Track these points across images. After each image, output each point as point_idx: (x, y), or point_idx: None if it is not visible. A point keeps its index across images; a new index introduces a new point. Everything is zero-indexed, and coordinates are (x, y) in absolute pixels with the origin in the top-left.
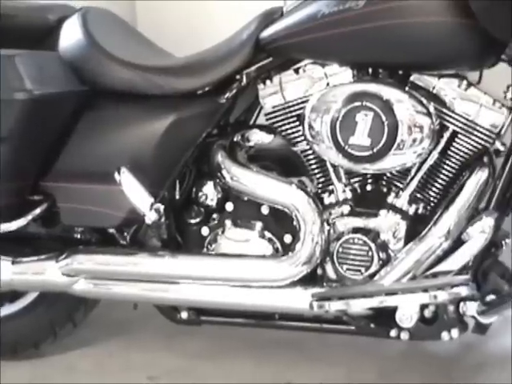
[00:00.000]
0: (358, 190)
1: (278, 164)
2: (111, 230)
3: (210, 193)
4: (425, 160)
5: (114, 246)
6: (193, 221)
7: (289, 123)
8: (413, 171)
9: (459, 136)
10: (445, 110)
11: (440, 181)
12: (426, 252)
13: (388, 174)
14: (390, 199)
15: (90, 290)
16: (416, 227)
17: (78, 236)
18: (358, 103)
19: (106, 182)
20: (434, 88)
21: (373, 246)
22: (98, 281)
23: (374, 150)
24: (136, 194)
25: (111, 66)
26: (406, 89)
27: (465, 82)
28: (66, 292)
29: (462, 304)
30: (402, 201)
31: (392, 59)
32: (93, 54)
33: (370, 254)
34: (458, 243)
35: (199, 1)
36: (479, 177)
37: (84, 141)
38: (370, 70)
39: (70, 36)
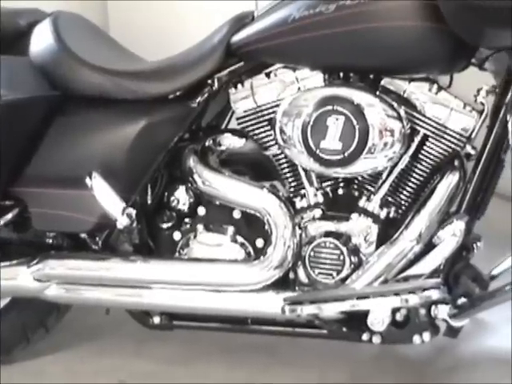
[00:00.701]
0: (330, 194)
1: (250, 168)
2: (83, 235)
3: (181, 197)
4: (396, 164)
5: (85, 251)
6: (165, 225)
7: (260, 127)
8: (384, 175)
9: (430, 140)
10: (415, 114)
11: (411, 184)
12: (398, 255)
13: (359, 178)
14: (362, 203)
15: (62, 295)
16: (387, 231)
17: (50, 241)
18: (329, 107)
19: (77, 187)
20: (404, 92)
21: (344, 249)
22: (70, 286)
23: (346, 154)
24: (107, 198)
25: (82, 70)
26: (377, 93)
27: (435, 86)
28: (38, 297)
29: (433, 307)
30: (373, 204)
31: (363, 63)
32: (64, 58)
33: (341, 257)
34: (429, 247)
35: (171, 6)
36: (450, 180)
37: (55, 146)
38: (341, 74)
39: (41, 41)
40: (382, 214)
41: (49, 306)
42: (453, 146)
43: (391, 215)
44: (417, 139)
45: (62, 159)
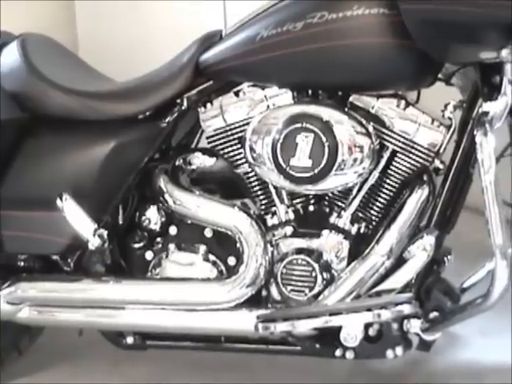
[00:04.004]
0: (301, 211)
1: (221, 187)
2: (55, 257)
3: (153, 217)
4: (366, 179)
5: (57, 272)
6: (137, 245)
7: (230, 146)
8: (354, 191)
9: (399, 155)
10: (384, 130)
11: (381, 200)
12: (369, 271)
13: (330, 195)
14: (333, 219)
15: (35, 317)
16: (359, 246)
17: (22, 263)
18: (298, 125)
19: (48, 209)
20: (373, 108)
21: (316, 266)
22: (43, 308)
23: (316, 171)
24: (79, 220)
25: (51, 92)
26: (346, 109)
27: (403, 102)
28: (11, 320)
29: (405, 322)
30: (344, 220)
31: (331, 81)
32: (32, 80)
33: (313, 274)
34: (400, 261)
35: (141, 26)
36: (419, 195)
37: (25, 168)
38: (310, 92)
39: (9, 63)
40: (353, 230)
41: (21, 329)
42: (421, 160)
43: (362, 231)
44: (386, 155)
45: (33, 181)
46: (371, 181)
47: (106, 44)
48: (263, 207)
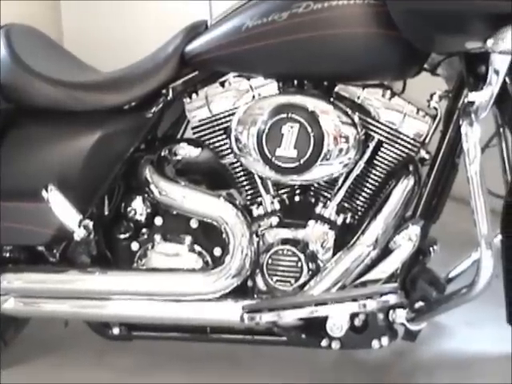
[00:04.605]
0: (287, 201)
1: (206, 177)
2: (40, 248)
3: (138, 208)
4: (351, 170)
5: (43, 263)
6: (122, 236)
7: (216, 136)
8: (340, 181)
9: (384, 145)
10: (370, 120)
11: (367, 190)
12: (355, 261)
13: (315, 185)
14: (318, 209)
15: (20, 308)
16: (344, 237)
17: (7, 254)
18: (283, 115)
19: (33, 200)
20: (358, 98)
21: (302, 256)
22: (28, 299)
23: (301, 162)
24: (64, 210)
25: (35, 82)
26: (331, 100)
27: (389, 92)
28: None
29: (391, 312)
30: (329, 211)
31: (316, 71)
32: (16, 71)
33: (299, 264)
34: (385, 252)
35: (126, 16)
36: (405, 185)
37: (10, 158)
38: (296, 82)
39: None
40: (339, 220)
41: (7, 320)
42: (407, 150)
43: (348, 221)
44: (371, 145)
45: (18, 172)
46: (357, 171)
47: (91, 35)
48: (249, 198)
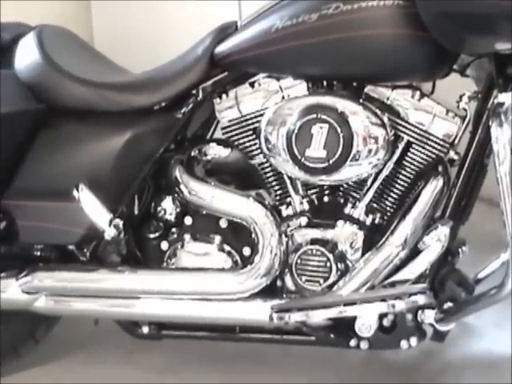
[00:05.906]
0: (316, 202)
1: (236, 177)
2: (71, 247)
3: (168, 207)
4: (380, 170)
5: (73, 262)
6: (152, 235)
7: (245, 137)
8: (369, 182)
9: (414, 146)
10: (399, 121)
11: (396, 191)
12: (384, 261)
13: (344, 185)
14: (347, 210)
15: (51, 307)
16: (373, 237)
17: (38, 253)
18: (313, 116)
19: (64, 199)
20: (387, 99)
21: (331, 256)
22: (59, 298)
23: (330, 162)
24: (95, 210)
25: (67, 83)
26: (361, 100)
27: (418, 93)
28: (27, 309)
29: (420, 312)
30: (358, 211)
31: (346, 71)
32: (48, 71)
33: (328, 264)
34: (414, 252)
35: (156, 17)
36: (434, 186)
37: (42, 158)
38: (325, 83)
39: (26, 54)
40: (368, 221)
41: (38, 318)
42: (436, 151)
43: (376, 221)
44: (401, 146)
45: (49, 172)
46: (386, 172)
47: (121, 36)
48: (278, 198)
